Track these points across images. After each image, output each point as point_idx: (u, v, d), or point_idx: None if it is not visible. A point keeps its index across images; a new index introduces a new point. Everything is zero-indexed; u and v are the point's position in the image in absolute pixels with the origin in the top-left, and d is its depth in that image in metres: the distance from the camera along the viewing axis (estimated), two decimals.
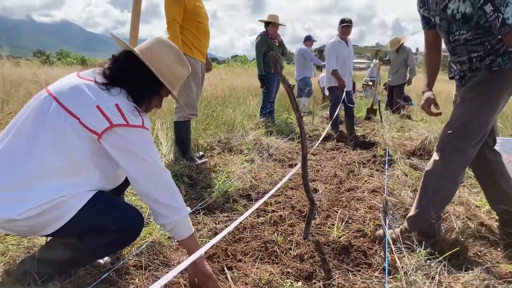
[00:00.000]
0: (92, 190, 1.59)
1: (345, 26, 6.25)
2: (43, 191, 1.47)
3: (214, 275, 1.80)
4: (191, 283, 1.78)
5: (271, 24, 6.54)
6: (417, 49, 66.26)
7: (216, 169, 3.80)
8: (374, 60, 19.57)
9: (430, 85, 2.54)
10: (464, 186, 3.51)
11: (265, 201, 3.04)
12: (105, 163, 1.62)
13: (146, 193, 1.63)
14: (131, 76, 1.66)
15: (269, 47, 6.51)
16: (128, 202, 1.76)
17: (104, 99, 1.55)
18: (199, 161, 3.95)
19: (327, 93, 7.25)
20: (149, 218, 2.59)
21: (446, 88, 11.78)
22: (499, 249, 2.28)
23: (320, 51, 13.06)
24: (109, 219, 1.58)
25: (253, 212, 2.82)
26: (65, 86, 1.59)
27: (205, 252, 2.19)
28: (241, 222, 2.59)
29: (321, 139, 4.37)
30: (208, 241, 2.30)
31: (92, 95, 1.54)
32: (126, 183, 1.94)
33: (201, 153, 4.37)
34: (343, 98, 6.18)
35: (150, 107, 1.79)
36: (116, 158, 1.58)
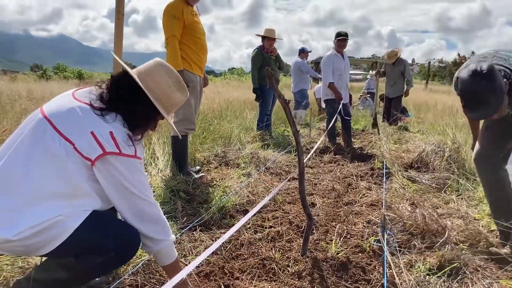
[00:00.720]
0: (88, 210, 1.57)
1: (341, 39, 6.28)
2: (40, 212, 1.45)
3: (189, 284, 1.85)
4: None
5: (267, 38, 6.56)
6: (413, 60, 66.84)
7: (213, 184, 3.77)
8: (371, 72, 19.67)
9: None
10: (462, 198, 3.50)
11: (262, 216, 3.03)
12: (102, 188, 1.60)
13: (131, 224, 1.64)
14: (128, 102, 1.65)
15: (265, 61, 6.52)
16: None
17: (98, 125, 1.54)
18: (196, 176, 3.93)
19: (323, 105, 7.26)
20: None
21: (442, 99, 11.85)
22: (499, 264, 2.25)
23: (317, 63, 13.12)
24: (106, 237, 1.56)
25: (250, 228, 2.79)
26: (60, 108, 1.57)
27: (202, 271, 2.17)
28: (237, 239, 2.57)
29: (312, 151, 4.36)
30: (205, 258, 2.27)
31: (87, 121, 1.53)
32: None
33: (198, 167, 4.35)
34: (339, 110, 6.18)
35: (146, 131, 1.78)
36: (104, 188, 1.57)
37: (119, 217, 1.74)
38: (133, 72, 1.70)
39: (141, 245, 1.69)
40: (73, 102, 1.60)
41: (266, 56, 6.58)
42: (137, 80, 1.66)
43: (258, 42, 6.76)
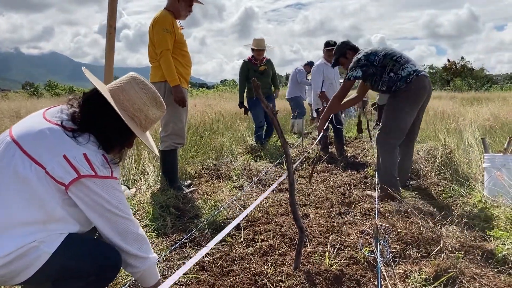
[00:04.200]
0: (64, 234, 1.49)
1: (330, 49, 6.30)
2: (12, 239, 1.37)
3: None
4: None
5: (255, 49, 6.54)
6: None
7: (204, 198, 3.71)
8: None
9: None
10: (456, 204, 3.46)
11: (254, 230, 2.97)
12: (78, 212, 1.53)
13: (113, 243, 1.59)
14: (101, 122, 1.59)
15: (250, 73, 6.51)
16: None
17: (71, 147, 1.47)
18: (187, 190, 3.87)
19: (315, 114, 7.24)
20: None
21: (433, 105, 11.89)
22: (496, 271, 2.21)
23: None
24: (84, 261, 1.50)
25: (242, 242, 2.73)
26: (29, 130, 1.50)
27: None
28: (229, 254, 2.51)
29: (298, 162, 4.32)
30: (195, 276, 2.21)
31: (58, 143, 1.46)
32: None
33: (189, 181, 4.29)
34: (331, 119, 6.16)
35: (121, 151, 1.72)
36: (84, 211, 1.51)
37: (99, 237, 1.68)
38: (105, 89, 1.64)
39: (127, 267, 1.65)
40: (43, 123, 1.53)
41: (251, 68, 6.55)
42: (110, 100, 1.59)
43: (249, 52, 6.71)
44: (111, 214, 1.54)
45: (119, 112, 1.59)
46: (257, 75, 6.50)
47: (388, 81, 3.62)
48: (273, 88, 6.97)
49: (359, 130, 8.02)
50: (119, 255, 1.61)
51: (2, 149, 1.47)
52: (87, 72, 1.72)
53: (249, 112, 6.85)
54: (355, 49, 3.99)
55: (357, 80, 3.86)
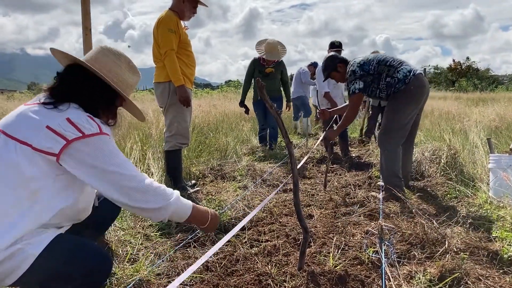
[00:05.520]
0: (51, 233, 1.46)
1: (335, 50, 6.29)
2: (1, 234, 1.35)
3: (209, 213, 1.82)
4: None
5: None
6: None
7: (208, 198, 3.72)
8: None
9: None
10: (462, 204, 3.45)
11: (258, 230, 2.97)
12: (67, 189, 1.51)
13: (125, 204, 1.52)
14: (80, 89, 1.58)
15: (254, 74, 6.39)
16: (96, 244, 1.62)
17: (52, 117, 1.45)
18: (191, 190, 3.88)
19: (318, 115, 7.22)
20: (137, 254, 2.49)
21: (438, 105, 11.84)
22: (502, 272, 2.19)
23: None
24: (71, 263, 1.45)
25: (246, 242, 2.73)
26: (10, 117, 1.51)
27: None
28: (233, 254, 2.51)
29: (302, 162, 4.31)
30: (199, 276, 2.21)
31: (39, 117, 1.45)
32: (105, 222, 1.86)
33: (193, 181, 4.30)
34: (335, 119, 6.15)
35: (107, 118, 1.70)
36: (80, 176, 1.47)
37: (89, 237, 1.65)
38: (81, 59, 1.64)
39: (152, 219, 1.61)
40: (23, 107, 1.54)
41: (257, 68, 6.40)
42: (89, 65, 1.60)
43: (254, 53, 6.55)
44: (108, 173, 1.48)
45: (101, 75, 1.60)
46: (261, 77, 6.25)
47: (386, 87, 3.67)
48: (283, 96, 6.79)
49: (366, 133, 7.97)
50: (108, 261, 1.56)
51: None
52: (56, 51, 1.68)
53: (249, 112, 6.81)
54: (345, 61, 3.99)
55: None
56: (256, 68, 6.42)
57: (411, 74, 3.57)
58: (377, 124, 8.97)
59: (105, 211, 1.96)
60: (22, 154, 1.40)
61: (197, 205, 1.77)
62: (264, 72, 6.38)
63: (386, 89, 3.68)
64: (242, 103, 6.69)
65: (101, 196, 1.93)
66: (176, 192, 1.66)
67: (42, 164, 1.43)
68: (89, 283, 1.51)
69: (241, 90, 6.80)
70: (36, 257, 1.39)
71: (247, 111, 6.76)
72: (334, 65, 4.00)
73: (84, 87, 1.59)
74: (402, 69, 3.59)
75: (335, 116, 5.08)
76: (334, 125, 6.13)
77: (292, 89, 8.66)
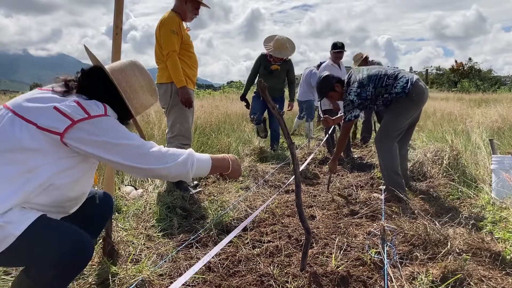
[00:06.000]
0: (34, 214, 1.46)
1: (337, 51, 6.30)
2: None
3: (228, 158, 1.86)
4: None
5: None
6: (411, 68, 67.21)
7: (210, 199, 3.72)
8: None
9: None
10: (464, 205, 3.44)
11: (261, 231, 2.97)
12: (63, 171, 1.52)
13: (142, 174, 1.59)
14: (95, 89, 1.61)
15: (260, 70, 6.27)
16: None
17: (61, 100, 1.50)
18: (194, 191, 3.88)
19: (322, 116, 7.20)
20: (140, 254, 2.50)
21: (440, 106, 11.82)
22: (504, 273, 2.19)
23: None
24: (50, 244, 1.45)
25: (248, 243, 2.73)
26: (21, 98, 1.54)
27: None
28: (235, 255, 2.51)
29: (305, 163, 4.30)
30: (201, 277, 2.22)
31: (48, 100, 1.50)
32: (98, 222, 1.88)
33: (195, 182, 4.30)
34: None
35: None
36: (88, 152, 1.50)
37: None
38: (105, 67, 1.66)
39: (174, 180, 1.67)
40: (35, 91, 1.58)
41: (263, 64, 6.23)
42: (109, 74, 1.62)
43: (256, 54, 6.53)
44: (119, 146, 1.51)
45: (114, 82, 1.62)
46: (265, 73, 6.21)
47: (384, 101, 3.76)
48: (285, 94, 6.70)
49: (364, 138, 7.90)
50: (89, 243, 1.55)
51: None
52: (88, 51, 1.72)
53: (249, 107, 6.64)
54: (341, 81, 4.05)
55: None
56: (262, 64, 6.25)
57: (409, 84, 3.61)
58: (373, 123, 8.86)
59: (98, 211, 1.94)
60: (26, 131, 1.43)
61: (214, 155, 1.81)
62: (269, 69, 6.22)
63: (384, 104, 3.79)
64: (243, 97, 6.54)
65: (99, 194, 1.95)
66: (191, 150, 1.70)
67: (44, 143, 1.45)
68: (69, 265, 1.49)
69: (245, 84, 6.69)
70: (17, 238, 1.39)
71: (248, 105, 6.61)
72: (332, 85, 4.03)
73: (99, 89, 1.62)
74: (398, 83, 3.64)
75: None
76: (336, 126, 6.14)
77: (301, 90, 8.56)
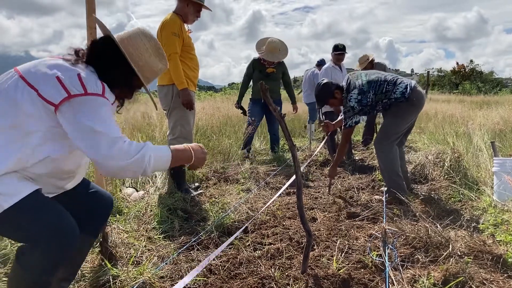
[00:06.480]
0: (27, 188, 1.49)
1: (338, 53, 6.30)
2: None
3: (190, 148, 1.78)
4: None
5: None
6: (412, 70, 67.19)
7: (211, 201, 3.72)
8: None
9: None
10: (466, 208, 3.44)
11: (262, 233, 2.97)
12: (57, 141, 1.56)
13: (98, 163, 1.53)
14: (103, 57, 1.65)
15: (254, 74, 6.13)
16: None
17: (66, 70, 1.53)
18: (195, 193, 3.88)
19: (322, 118, 7.19)
20: (141, 257, 2.50)
21: (442, 108, 11.81)
22: (506, 276, 2.18)
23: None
24: (36, 222, 1.49)
25: (249, 245, 2.73)
26: (30, 63, 1.59)
27: None
28: (236, 257, 2.51)
29: (305, 165, 4.30)
30: (202, 279, 2.21)
31: (54, 68, 1.53)
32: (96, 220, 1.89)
33: (196, 184, 4.30)
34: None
35: (119, 95, 1.77)
36: (67, 130, 1.51)
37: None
38: (113, 35, 1.70)
39: (134, 175, 1.59)
40: (46, 58, 1.62)
41: (257, 68, 6.11)
42: (116, 41, 1.66)
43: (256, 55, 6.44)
44: (96, 133, 1.50)
45: (120, 47, 1.65)
46: (262, 77, 6.02)
47: (383, 106, 3.82)
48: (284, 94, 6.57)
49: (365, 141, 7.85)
50: (73, 226, 1.57)
51: (1, 78, 1.56)
52: (98, 21, 1.77)
53: (246, 113, 6.47)
54: (340, 87, 4.03)
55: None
56: (256, 69, 6.14)
57: (408, 89, 3.67)
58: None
59: (97, 206, 1.93)
60: (27, 96, 1.48)
61: (174, 145, 1.76)
62: (265, 72, 6.11)
63: (383, 108, 3.86)
64: (238, 105, 6.41)
65: (95, 188, 1.95)
66: (148, 143, 1.63)
67: (42, 111, 1.49)
68: (53, 248, 1.52)
69: (238, 91, 6.56)
70: (4, 210, 1.44)
71: (244, 112, 6.47)
72: (332, 92, 4.02)
73: (107, 56, 1.66)
74: (398, 88, 3.68)
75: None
76: (338, 129, 6.12)
77: (306, 92, 8.50)
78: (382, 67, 7.29)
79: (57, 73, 1.50)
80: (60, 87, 1.47)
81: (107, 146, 1.51)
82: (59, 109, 1.48)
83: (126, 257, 2.46)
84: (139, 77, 1.72)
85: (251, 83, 6.41)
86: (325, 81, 4.15)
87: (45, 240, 1.49)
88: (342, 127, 4.00)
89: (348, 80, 3.92)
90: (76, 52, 1.65)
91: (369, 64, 6.96)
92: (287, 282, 2.18)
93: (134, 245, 2.64)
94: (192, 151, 1.78)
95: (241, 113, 6.59)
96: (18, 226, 1.50)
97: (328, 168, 5.50)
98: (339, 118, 4.64)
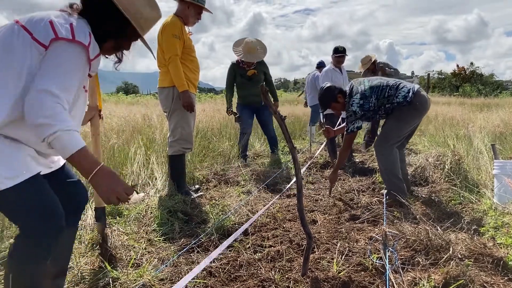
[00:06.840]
0: (22, 175, 1.51)
1: (339, 56, 6.31)
2: None
3: (100, 166, 1.51)
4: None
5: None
6: (413, 72, 67.28)
7: (212, 203, 3.72)
8: None
9: None
10: (466, 211, 3.43)
11: (262, 235, 2.96)
12: None
13: (26, 102, 1.45)
14: (96, 7, 1.68)
15: (236, 79, 5.89)
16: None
17: (60, 18, 1.58)
18: (195, 195, 3.88)
19: (323, 120, 7.20)
20: (141, 259, 2.50)
21: (442, 111, 11.82)
22: (507, 279, 2.18)
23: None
24: (25, 207, 1.55)
25: (249, 248, 2.72)
26: (31, 14, 1.62)
27: None
28: (236, 260, 2.51)
29: (305, 167, 4.30)
30: (202, 282, 2.21)
31: (50, 15, 1.58)
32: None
33: (197, 186, 4.30)
34: (339, 124, 6.14)
35: (116, 48, 1.81)
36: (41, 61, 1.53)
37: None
38: None
39: (35, 133, 1.47)
40: (47, 11, 1.65)
41: (238, 72, 5.84)
42: None
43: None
44: (55, 75, 1.48)
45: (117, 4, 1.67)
46: (244, 81, 5.84)
47: (386, 110, 3.81)
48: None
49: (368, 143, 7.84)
50: (60, 214, 1.61)
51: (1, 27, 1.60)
52: None
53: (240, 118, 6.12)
54: (343, 92, 4.04)
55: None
56: (237, 73, 5.86)
57: (411, 93, 3.67)
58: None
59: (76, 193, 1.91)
60: (22, 39, 1.51)
61: (90, 152, 1.54)
62: (246, 76, 5.83)
63: (385, 113, 3.84)
64: (230, 110, 6.09)
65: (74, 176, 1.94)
66: (73, 124, 1.49)
67: (36, 55, 1.52)
68: (39, 232, 1.57)
69: (225, 98, 6.26)
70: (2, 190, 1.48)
71: (239, 117, 6.09)
72: (335, 96, 4.02)
73: (98, 7, 1.68)
74: (400, 93, 3.69)
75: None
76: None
77: (310, 95, 8.48)
78: (384, 65, 7.20)
79: (51, 18, 1.55)
80: (50, 29, 1.52)
81: (37, 92, 1.43)
82: (49, 49, 1.52)
83: (126, 259, 2.46)
84: (133, 26, 1.73)
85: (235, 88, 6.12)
86: (328, 85, 4.15)
87: (32, 223, 1.55)
88: (345, 133, 3.99)
89: (351, 86, 3.93)
90: (71, 5, 1.69)
91: (372, 65, 6.95)
92: (287, 284, 2.18)
93: (134, 247, 2.64)
94: (96, 171, 1.50)
95: (236, 118, 6.18)
96: (8, 207, 1.57)
97: (329, 170, 5.51)
98: (341, 126, 4.65)
